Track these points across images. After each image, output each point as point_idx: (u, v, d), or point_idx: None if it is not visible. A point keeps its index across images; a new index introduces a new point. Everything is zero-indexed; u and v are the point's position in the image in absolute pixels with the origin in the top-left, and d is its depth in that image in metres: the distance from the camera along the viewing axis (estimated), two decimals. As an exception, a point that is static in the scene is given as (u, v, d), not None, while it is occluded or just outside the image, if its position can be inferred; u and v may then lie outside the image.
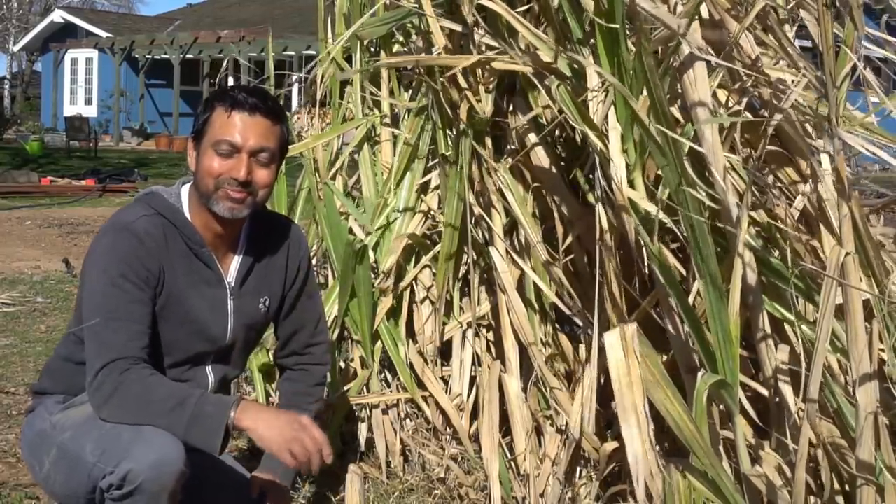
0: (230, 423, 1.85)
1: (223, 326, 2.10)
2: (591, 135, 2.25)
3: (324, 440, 1.88)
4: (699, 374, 2.03)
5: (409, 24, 3.00)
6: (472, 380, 2.92)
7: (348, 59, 3.28)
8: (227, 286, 2.10)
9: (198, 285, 2.05)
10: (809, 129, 2.35)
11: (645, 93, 2.17)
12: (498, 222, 2.77)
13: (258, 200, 2.04)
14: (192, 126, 2.08)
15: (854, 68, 1.94)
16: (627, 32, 2.21)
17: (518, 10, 2.64)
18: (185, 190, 2.09)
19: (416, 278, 3.05)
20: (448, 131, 2.90)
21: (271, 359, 2.83)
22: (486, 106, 2.73)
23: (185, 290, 2.03)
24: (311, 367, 2.30)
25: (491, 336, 2.96)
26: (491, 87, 2.77)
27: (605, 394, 2.61)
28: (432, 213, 3.07)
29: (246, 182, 1.98)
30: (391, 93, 3.20)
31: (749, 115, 2.32)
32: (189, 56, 23.21)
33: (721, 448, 2.19)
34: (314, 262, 3.38)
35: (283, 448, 1.84)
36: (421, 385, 2.92)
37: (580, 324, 2.71)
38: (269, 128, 2.01)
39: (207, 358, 2.12)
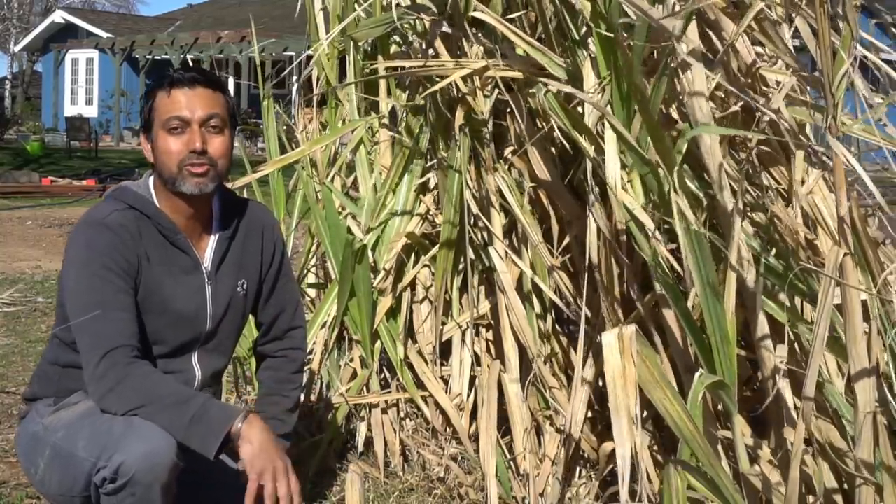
0: (234, 430, 1.88)
1: (203, 312, 2.12)
2: (583, 140, 2.26)
3: (297, 491, 1.92)
4: (696, 374, 2.03)
5: (405, 25, 3.01)
6: (472, 379, 2.93)
7: (343, 60, 3.28)
8: (204, 271, 2.11)
9: (175, 274, 2.07)
10: (808, 130, 2.35)
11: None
12: (497, 222, 2.78)
13: (220, 171, 2.06)
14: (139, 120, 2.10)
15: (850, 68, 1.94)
16: (623, 35, 2.22)
17: (514, 14, 2.65)
18: (151, 181, 2.11)
19: (415, 278, 3.05)
20: (446, 132, 2.90)
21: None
22: (483, 107, 2.74)
23: (163, 280, 2.05)
24: (291, 353, 2.33)
25: (490, 336, 2.96)
26: (489, 88, 2.77)
27: (604, 394, 2.61)
28: (431, 213, 3.07)
29: (203, 151, 2.00)
30: (388, 93, 3.20)
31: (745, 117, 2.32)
32: (190, 56, 23.20)
33: (720, 447, 2.19)
34: (313, 261, 3.39)
35: (256, 477, 1.89)
36: (420, 385, 2.93)
37: (579, 323, 2.71)
38: (212, 95, 2.04)
39: (192, 347, 2.13)
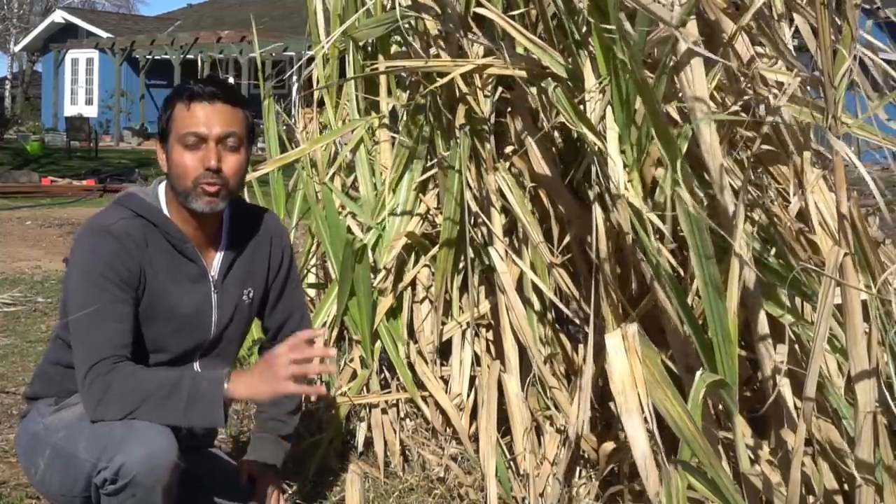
0: (226, 394, 1.89)
1: (208, 320, 2.11)
2: (589, 135, 2.26)
3: (301, 338, 1.89)
4: (698, 374, 2.03)
5: (406, 25, 3.00)
6: (472, 380, 2.93)
7: (344, 60, 3.28)
8: (211, 279, 2.11)
9: (181, 282, 2.06)
10: (810, 130, 2.35)
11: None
12: (497, 222, 2.78)
13: (232, 188, 2.04)
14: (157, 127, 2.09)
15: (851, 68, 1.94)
16: (626, 32, 2.21)
17: (514, 12, 2.65)
18: (161, 188, 2.10)
19: (415, 278, 3.05)
20: (446, 131, 2.90)
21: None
22: (484, 107, 2.74)
23: (168, 288, 2.04)
24: None
25: (490, 336, 2.96)
26: (489, 88, 2.77)
27: (604, 394, 2.61)
28: (431, 213, 3.07)
29: (217, 169, 1.99)
30: (388, 92, 3.20)
31: (746, 116, 2.32)
32: (189, 56, 23.19)
33: (720, 447, 2.19)
34: (313, 261, 3.39)
35: (283, 385, 1.87)
36: (420, 385, 2.93)
37: (579, 323, 2.71)
38: (232, 112, 2.02)
39: (195, 354, 2.13)
